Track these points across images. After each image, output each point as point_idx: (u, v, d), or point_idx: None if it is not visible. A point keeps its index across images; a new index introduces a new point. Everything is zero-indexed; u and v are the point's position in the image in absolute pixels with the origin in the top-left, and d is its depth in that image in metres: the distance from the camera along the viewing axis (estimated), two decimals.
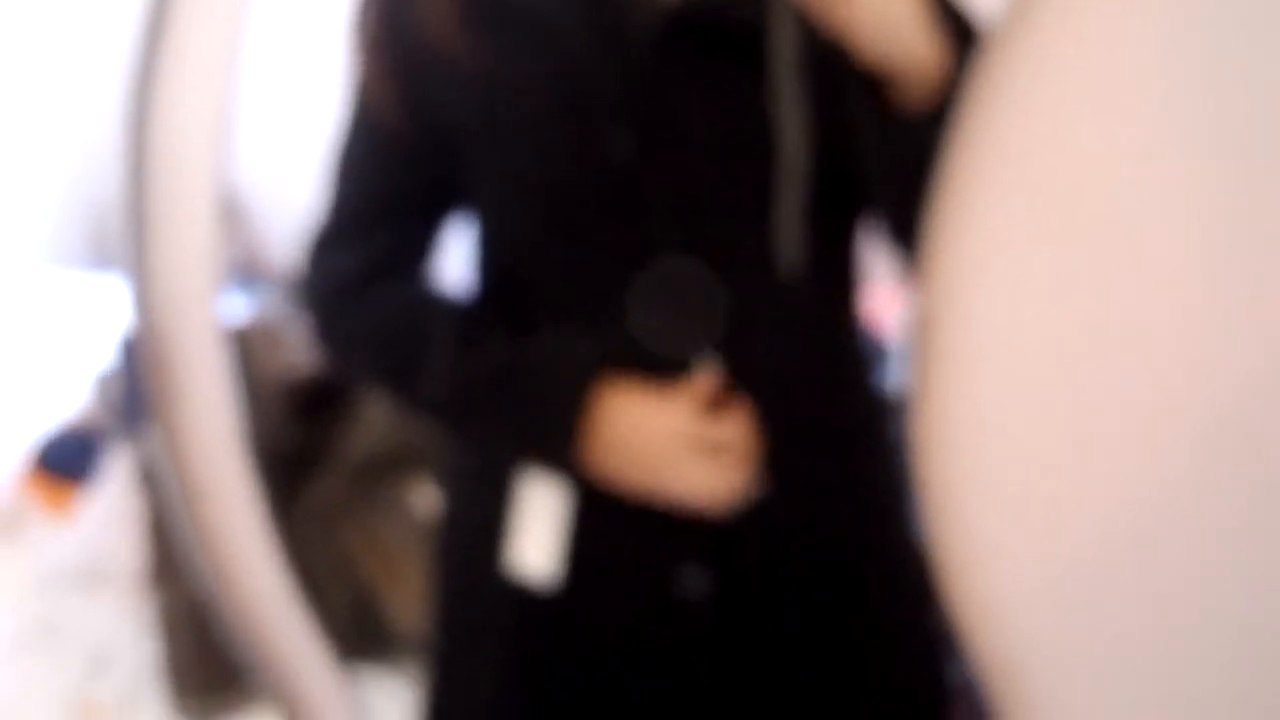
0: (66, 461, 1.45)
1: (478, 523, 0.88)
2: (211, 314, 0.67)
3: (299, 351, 1.40)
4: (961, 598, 0.59)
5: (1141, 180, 0.55)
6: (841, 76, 0.74)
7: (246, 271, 1.73)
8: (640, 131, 0.78)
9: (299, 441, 1.36)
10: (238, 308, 1.54)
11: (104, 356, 1.58)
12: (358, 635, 1.32)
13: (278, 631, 0.65)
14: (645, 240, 0.79)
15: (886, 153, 0.75)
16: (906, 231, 0.78)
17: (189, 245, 0.66)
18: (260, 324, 1.43)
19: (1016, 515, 0.57)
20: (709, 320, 0.80)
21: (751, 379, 0.80)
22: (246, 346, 1.37)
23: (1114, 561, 0.55)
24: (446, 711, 0.91)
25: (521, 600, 0.84)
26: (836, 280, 0.85)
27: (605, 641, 0.84)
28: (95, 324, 1.76)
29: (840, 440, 0.87)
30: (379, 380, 0.85)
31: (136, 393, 0.66)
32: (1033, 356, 0.57)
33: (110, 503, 1.36)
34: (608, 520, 0.81)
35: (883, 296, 1.50)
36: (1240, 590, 0.54)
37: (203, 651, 1.22)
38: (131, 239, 0.65)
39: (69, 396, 1.61)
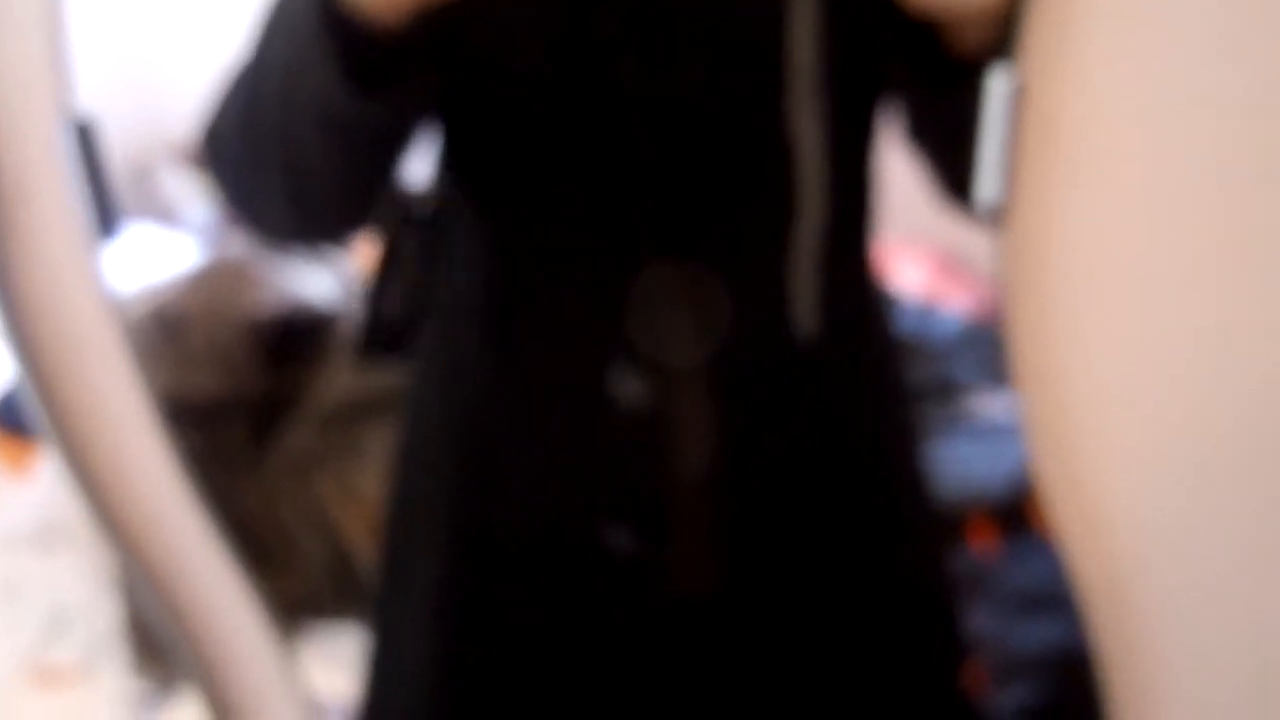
0: (22, 417, 1.33)
1: (425, 459, 0.81)
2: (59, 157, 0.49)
3: (267, 290, 1.28)
4: (1065, 508, 0.47)
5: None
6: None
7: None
8: (626, 23, 0.68)
9: (268, 387, 1.27)
10: (200, 246, 1.42)
11: None
12: (335, 589, 1.23)
13: (200, 599, 0.53)
14: (624, 155, 0.70)
15: (936, 113, 0.69)
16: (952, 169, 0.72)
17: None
18: (224, 262, 1.30)
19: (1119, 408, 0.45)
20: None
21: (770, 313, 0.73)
22: (210, 286, 1.27)
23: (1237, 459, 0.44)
24: (381, 662, 0.86)
25: (454, 544, 0.80)
26: (853, 197, 0.77)
27: (537, 598, 0.80)
28: None
29: (859, 386, 0.81)
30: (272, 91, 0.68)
31: None
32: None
33: None
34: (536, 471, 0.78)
35: (889, 252, 1.41)
36: None
37: None
38: None
39: None
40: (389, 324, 0.78)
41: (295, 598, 1.23)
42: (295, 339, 1.28)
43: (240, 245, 1.34)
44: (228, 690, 0.55)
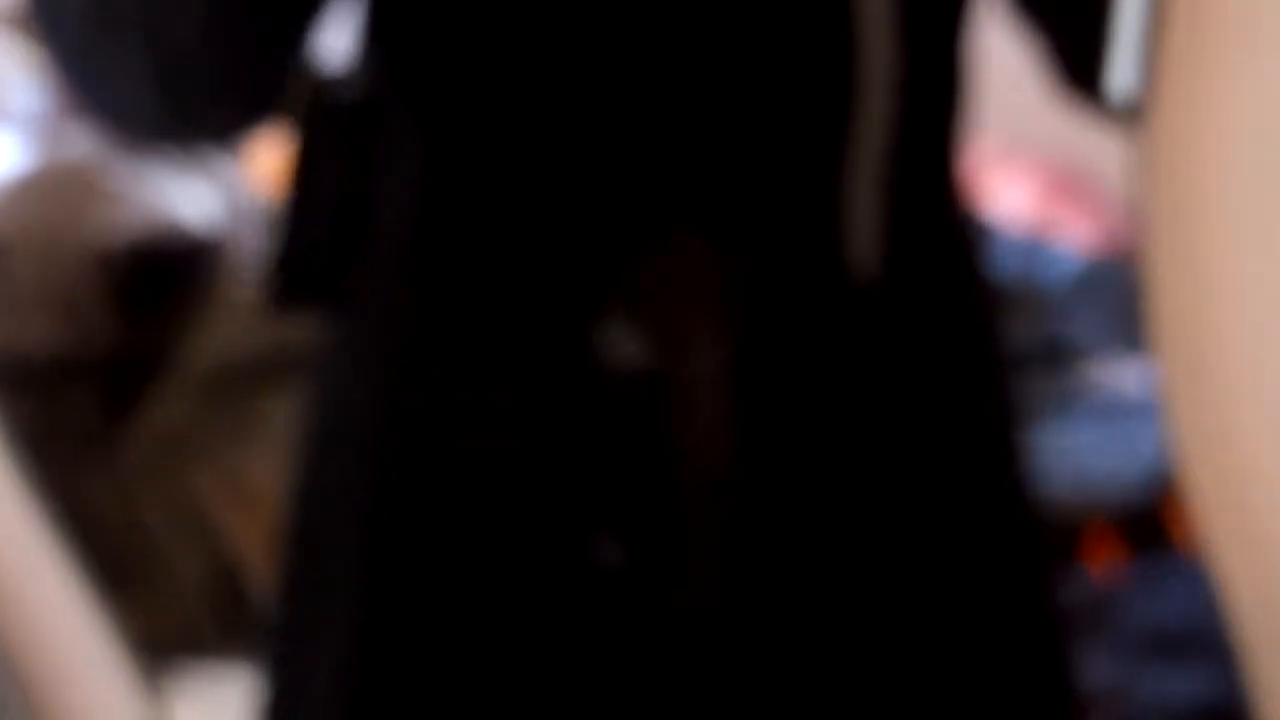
0: None
1: (341, 440, 0.84)
2: None
3: (122, 208, 1.30)
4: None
5: None
6: None
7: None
8: None
9: (125, 341, 1.29)
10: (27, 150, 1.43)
11: None
12: (217, 616, 1.26)
13: (34, 630, 0.55)
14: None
15: None
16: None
17: None
18: (62, 168, 1.30)
19: None
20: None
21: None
22: (42, 201, 1.30)
23: None
24: (279, 712, 0.89)
25: (380, 556, 0.82)
26: (933, 89, 0.80)
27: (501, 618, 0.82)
28: None
29: (935, 351, 0.83)
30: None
31: None
32: None
33: None
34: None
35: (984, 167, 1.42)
36: None
37: None
38: None
39: None
40: (311, 256, 0.78)
41: (164, 627, 1.25)
42: (162, 276, 1.30)
43: (84, 144, 1.36)
44: None
